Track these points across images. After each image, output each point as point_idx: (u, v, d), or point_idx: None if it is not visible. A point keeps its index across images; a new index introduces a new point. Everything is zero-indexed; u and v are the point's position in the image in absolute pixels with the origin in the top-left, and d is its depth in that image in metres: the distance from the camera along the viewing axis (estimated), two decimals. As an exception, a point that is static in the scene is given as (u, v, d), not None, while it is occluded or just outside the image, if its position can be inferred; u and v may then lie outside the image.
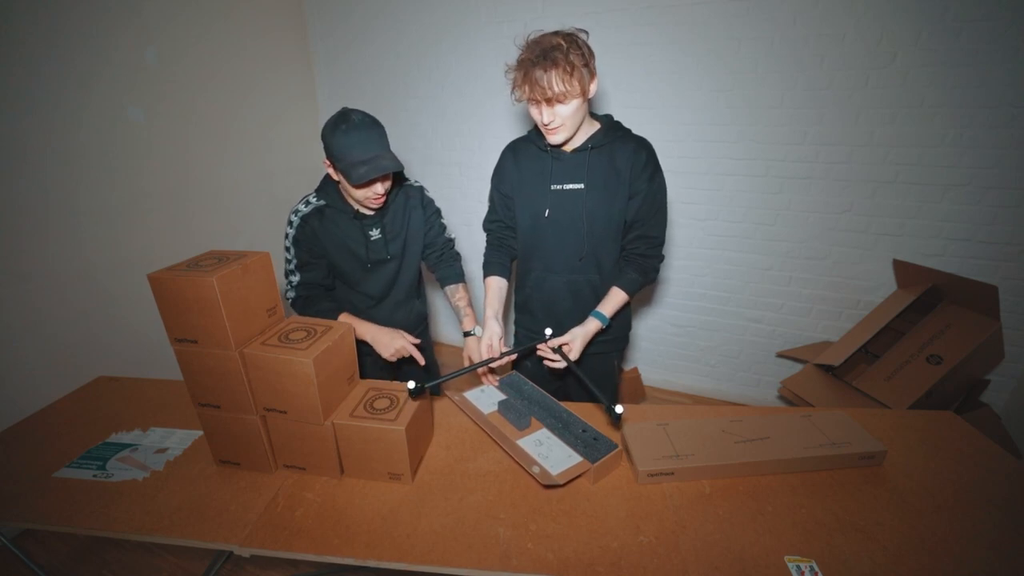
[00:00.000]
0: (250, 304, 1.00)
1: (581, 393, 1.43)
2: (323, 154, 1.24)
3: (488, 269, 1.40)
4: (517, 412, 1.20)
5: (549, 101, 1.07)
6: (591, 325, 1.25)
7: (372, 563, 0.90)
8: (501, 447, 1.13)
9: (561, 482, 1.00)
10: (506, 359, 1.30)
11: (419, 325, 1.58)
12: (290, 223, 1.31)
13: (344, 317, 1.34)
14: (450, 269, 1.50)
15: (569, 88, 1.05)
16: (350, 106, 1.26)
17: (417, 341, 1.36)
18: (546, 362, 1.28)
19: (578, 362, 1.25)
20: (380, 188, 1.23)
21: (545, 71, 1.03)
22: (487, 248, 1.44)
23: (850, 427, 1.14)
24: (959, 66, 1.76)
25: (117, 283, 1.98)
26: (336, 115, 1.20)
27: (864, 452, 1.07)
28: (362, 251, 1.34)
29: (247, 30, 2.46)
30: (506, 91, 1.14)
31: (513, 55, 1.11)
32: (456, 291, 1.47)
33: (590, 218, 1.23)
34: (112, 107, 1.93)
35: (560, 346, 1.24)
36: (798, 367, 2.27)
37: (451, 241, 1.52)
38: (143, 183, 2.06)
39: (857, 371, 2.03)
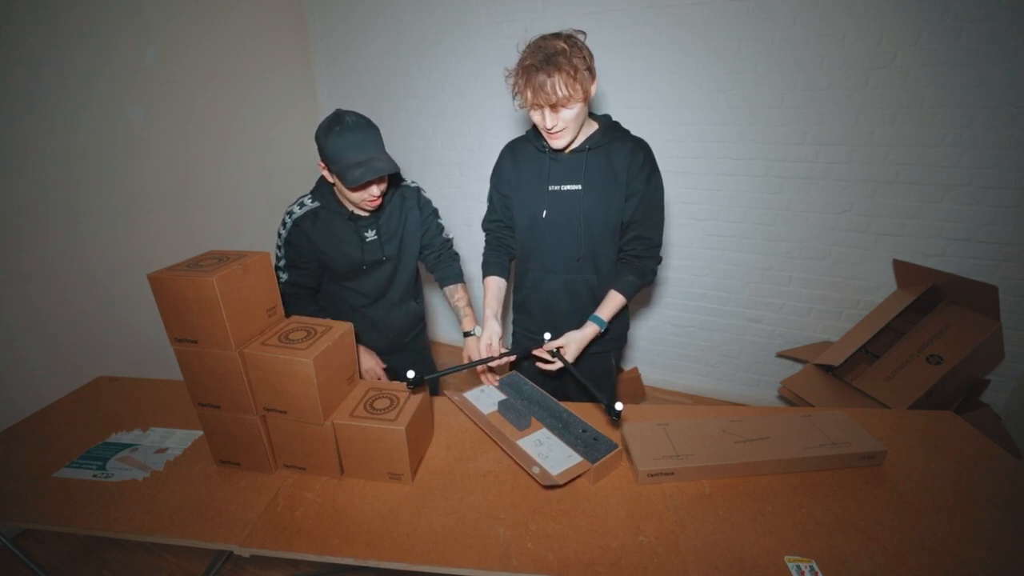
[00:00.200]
0: (250, 304, 1.00)
1: (580, 393, 1.43)
2: None
3: (487, 269, 1.40)
4: (517, 412, 1.20)
5: (553, 106, 1.07)
6: (588, 330, 1.25)
7: (372, 563, 0.90)
8: (501, 448, 1.13)
9: (561, 482, 1.00)
10: (504, 360, 1.30)
11: (415, 326, 1.58)
12: (283, 223, 1.31)
13: None
14: (449, 269, 1.49)
15: (573, 92, 1.04)
16: (350, 106, 1.26)
17: (384, 367, 1.41)
18: (539, 364, 1.29)
19: (575, 363, 1.25)
20: (376, 190, 1.22)
21: (549, 76, 1.02)
22: (486, 248, 1.44)
23: (850, 427, 1.14)
24: (959, 66, 1.76)
25: (117, 283, 1.98)
26: (330, 117, 1.18)
27: (864, 452, 1.07)
28: (357, 252, 1.34)
29: (247, 30, 2.46)
30: (506, 91, 1.13)
31: (513, 56, 1.11)
32: (455, 291, 1.47)
33: (587, 219, 1.23)
34: (112, 107, 1.93)
35: (557, 349, 1.24)
36: (798, 367, 2.27)
37: (449, 241, 1.52)
38: (143, 183, 2.06)
39: (857, 371, 2.03)
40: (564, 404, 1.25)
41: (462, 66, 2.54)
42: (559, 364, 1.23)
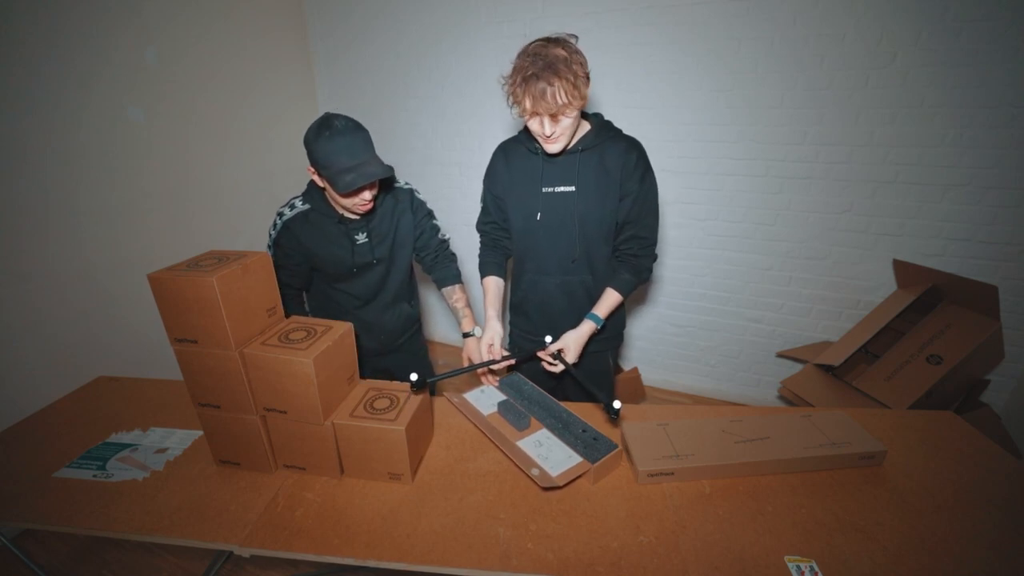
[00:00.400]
0: (250, 304, 1.00)
1: (579, 392, 1.43)
2: None
3: (485, 270, 1.40)
4: (517, 413, 1.20)
5: (554, 115, 1.06)
6: (585, 327, 1.25)
7: (372, 563, 0.90)
8: (501, 449, 1.13)
9: (560, 484, 1.01)
10: (505, 363, 1.30)
11: (409, 328, 1.57)
12: (274, 224, 1.31)
13: None
14: (446, 271, 1.48)
15: (573, 100, 1.03)
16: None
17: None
18: (545, 364, 1.28)
19: (576, 364, 1.25)
20: (368, 195, 1.22)
21: (550, 84, 1.00)
22: (482, 249, 1.44)
23: (850, 427, 1.14)
24: (959, 66, 1.76)
25: (117, 283, 1.98)
26: (318, 121, 1.16)
27: (864, 452, 1.07)
28: (347, 255, 1.33)
29: (247, 30, 2.46)
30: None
31: (514, 56, 1.10)
32: (453, 292, 1.46)
33: (582, 220, 1.23)
34: (112, 107, 1.93)
35: (559, 351, 1.24)
36: (798, 367, 2.26)
37: (445, 242, 1.51)
38: (143, 183, 2.06)
39: (857, 371, 2.03)
40: (564, 404, 1.25)
41: (462, 66, 2.54)
42: (561, 367, 1.23)
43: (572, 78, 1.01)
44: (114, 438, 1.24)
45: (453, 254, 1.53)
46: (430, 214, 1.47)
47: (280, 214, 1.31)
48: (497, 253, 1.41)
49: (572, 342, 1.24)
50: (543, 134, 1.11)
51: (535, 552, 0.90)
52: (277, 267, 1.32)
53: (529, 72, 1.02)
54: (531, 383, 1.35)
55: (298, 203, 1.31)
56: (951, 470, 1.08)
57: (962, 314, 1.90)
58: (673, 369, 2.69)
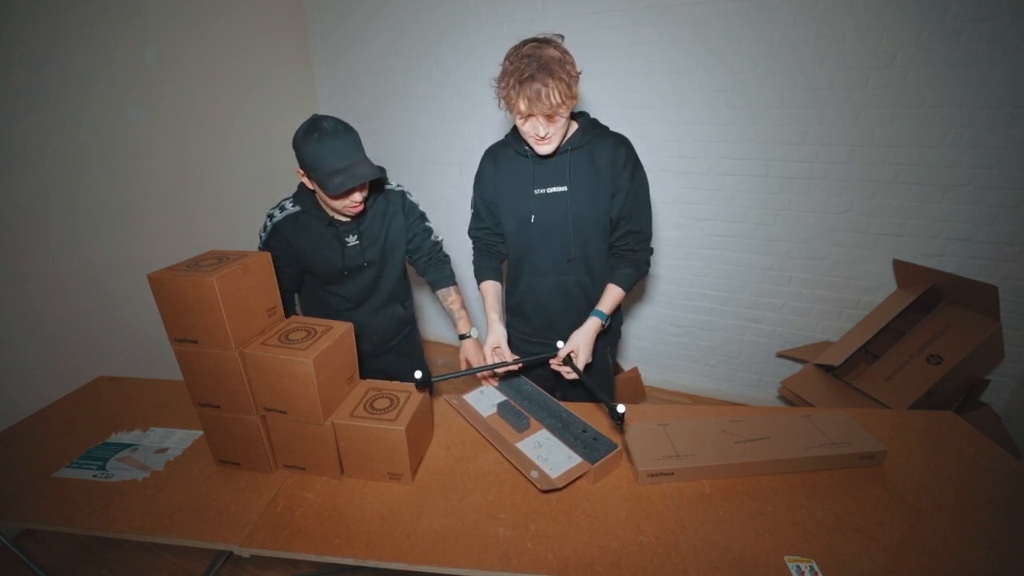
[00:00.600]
0: (250, 304, 1.00)
1: (578, 392, 1.43)
2: None
3: (482, 274, 1.39)
4: (516, 414, 1.20)
5: (549, 116, 1.06)
6: (591, 325, 1.24)
7: (372, 563, 0.90)
8: (500, 452, 1.12)
9: (560, 486, 1.00)
10: (513, 366, 1.29)
11: (402, 329, 1.57)
12: (264, 226, 1.31)
13: None
14: (440, 272, 1.48)
15: (567, 100, 1.04)
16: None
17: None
18: (563, 371, 1.25)
19: (588, 367, 1.22)
20: (358, 196, 1.21)
21: (545, 85, 1.00)
22: (476, 255, 1.42)
23: (850, 427, 1.14)
24: (959, 66, 1.76)
25: (117, 283, 1.98)
26: (307, 123, 1.16)
27: (864, 452, 1.07)
28: (338, 258, 1.32)
29: (247, 30, 2.46)
30: None
31: None
32: (448, 294, 1.46)
33: (576, 220, 1.23)
34: (112, 107, 1.93)
35: (569, 355, 1.21)
36: (798, 367, 2.27)
37: (438, 244, 1.49)
38: (143, 183, 2.06)
39: (857, 371, 2.03)
40: (564, 404, 1.25)
41: (462, 66, 2.54)
42: (574, 374, 1.20)
43: (566, 78, 1.02)
44: (114, 438, 1.24)
45: (446, 256, 1.52)
46: (422, 216, 1.45)
47: (270, 216, 1.30)
48: (492, 257, 1.41)
49: (581, 342, 1.21)
50: (537, 136, 1.10)
51: (535, 552, 0.90)
52: None
53: (524, 74, 1.01)
54: (531, 383, 1.35)
55: (288, 205, 1.30)
56: (951, 470, 1.08)
57: (962, 314, 1.90)
58: (673, 369, 2.69)
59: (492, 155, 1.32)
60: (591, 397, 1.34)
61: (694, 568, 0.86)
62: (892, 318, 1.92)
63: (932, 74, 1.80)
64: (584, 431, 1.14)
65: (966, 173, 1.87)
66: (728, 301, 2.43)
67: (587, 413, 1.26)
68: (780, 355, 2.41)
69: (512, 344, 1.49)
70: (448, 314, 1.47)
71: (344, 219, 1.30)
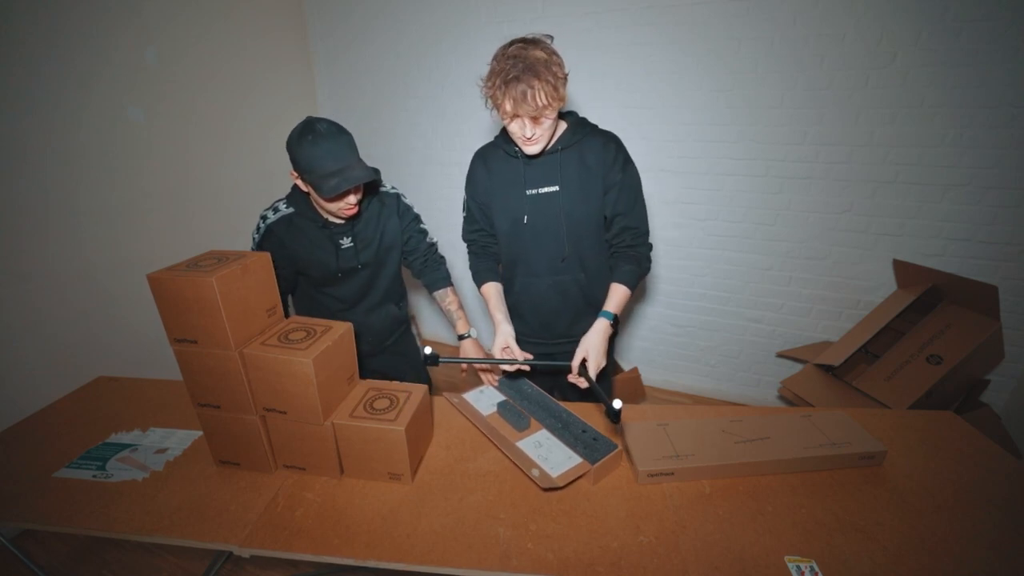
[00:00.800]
0: (250, 304, 1.00)
1: (577, 391, 1.42)
2: None
3: (481, 277, 1.37)
4: (516, 413, 1.20)
5: (534, 117, 1.05)
6: (600, 326, 1.19)
7: (372, 563, 0.90)
8: (500, 450, 1.12)
9: (561, 484, 1.00)
10: (525, 365, 1.26)
11: (396, 329, 1.57)
12: (257, 228, 1.30)
13: None
14: (436, 274, 1.47)
15: (553, 101, 1.03)
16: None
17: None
18: (579, 383, 1.19)
19: (600, 376, 1.16)
20: (352, 199, 1.21)
21: (530, 86, 1.00)
22: (472, 258, 1.41)
23: (850, 427, 1.14)
24: (959, 66, 1.76)
25: (117, 283, 1.98)
26: (301, 125, 1.16)
27: (864, 452, 1.07)
28: (332, 260, 1.32)
29: (247, 30, 2.46)
30: None
31: None
32: (445, 296, 1.45)
33: (569, 219, 1.22)
34: (112, 107, 1.92)
35: (582, 363, 1.15)
36: (798, 367, 2.26)
37: (433, 246, 1.49)
38: (143, 183, 2.06)
39: (857, 371, 2.02)
40: (563, 404, 1.25)
41: (462, 66, 2.53)
42: (586, 383, 1.15)
43: (552, 79, 1.01)
44: (114, 438, 1.24)
45: (442, 257, 1.51)
46: (417, 218, 1.45)
47: (263, 217, 1.30)
48: (489, 259, 1.40)
49: (593, 347, 1.15)
50: (523, 136, 1.10)
51: (535, 552, 0.90)
52: None
53: (510, 75, 1.01)
54: (531, 383, 1.35)
55: (282, 206, 1.30)
56: (951, 470, 1.08)
57: (962, 314, 1.90)
58: (673, 369, 2.69)
59: (482, 157, 1.31)
60: (591, 397, 1.33)
61: (694, 568, 0.86)
62: (892, 318, 1.92)
63: (932, 74, 1.80)
64: (584, 431, 1.14)
65: (966, 173, 1.87)
66: (728, 301, 2.43)
67: (587, 413, 1.26)
68: (780, 355, 2.41)
69: None
70: (446, 315, 1.46)
71: (338, 221, 1.30)
